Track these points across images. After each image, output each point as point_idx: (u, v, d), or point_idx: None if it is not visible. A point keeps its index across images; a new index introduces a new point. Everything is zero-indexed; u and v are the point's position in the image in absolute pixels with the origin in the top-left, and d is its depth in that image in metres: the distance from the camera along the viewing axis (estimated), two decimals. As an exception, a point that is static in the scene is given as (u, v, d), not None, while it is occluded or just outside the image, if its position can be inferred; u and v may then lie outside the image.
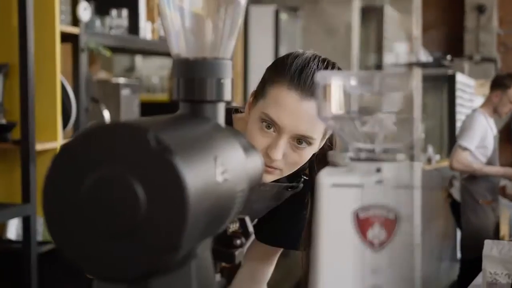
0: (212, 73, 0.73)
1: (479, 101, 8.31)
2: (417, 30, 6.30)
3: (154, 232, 0.57)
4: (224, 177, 0.64)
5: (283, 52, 4.73)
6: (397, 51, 6.02)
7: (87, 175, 0.58)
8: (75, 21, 2.88)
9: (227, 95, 0.74)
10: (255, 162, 0.80)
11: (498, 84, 4.47)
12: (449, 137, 7.28)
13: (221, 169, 0.64)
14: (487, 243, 1.90)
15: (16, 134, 2.52)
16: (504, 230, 5.13)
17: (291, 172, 1.31)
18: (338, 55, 5.80)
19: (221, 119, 0.75)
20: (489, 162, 4.45)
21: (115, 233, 0.57)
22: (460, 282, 4.70)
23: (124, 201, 0.57)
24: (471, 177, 4.44)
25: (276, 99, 1.25)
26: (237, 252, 0.79)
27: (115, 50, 3.64)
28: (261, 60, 4.33)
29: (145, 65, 5.60)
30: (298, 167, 1.31)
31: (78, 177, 0.58)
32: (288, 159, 1.27)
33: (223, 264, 0.82)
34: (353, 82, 0.65)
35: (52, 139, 2.67)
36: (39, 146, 2.53)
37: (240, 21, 0.77)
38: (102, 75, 4.73)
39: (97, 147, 0.58)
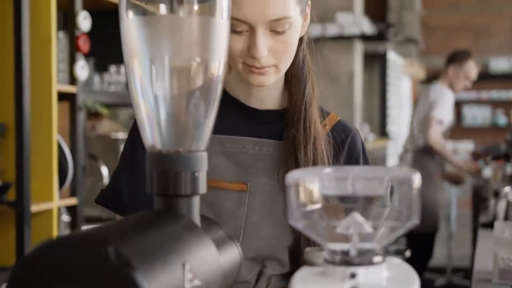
0: (187, 166, 0.71)
1: (406, 80, 8.33)
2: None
3: None
4: (193, 284, 0.62)
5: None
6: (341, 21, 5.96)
7: (45, 291, 0.55)
8: (73, 79, 2.89)
9: (202, 188, 0.72)
10: (230, 255, 0.77)
11: (454, 58, 4.48)
12: (380, 116, 7.22)
13: (190, 276, 0.61)
14: (498, 224, 1.68)
15: (11, 195, 2.49)
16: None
17: (288, 65, 1.24)
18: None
19: (195, 213, 0.72)
20: (443, 136, 4.41)
21: None
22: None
23: (83, 319, 0.54)
24: (426, 149, 4.32)
25: None
26: None
27: (114, 106, 3.64)
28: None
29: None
30: (292, 56, 1.23)
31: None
32: (275, 52, 1.19)
33: None
34: (326, 181, 0.63)
35: (48, 200, 2.64)
36: (34, 208, 2.50)
37: (216, 105, 0.74)
38: (106, 125, 4.73)
39: (54, 261, 0.55)
